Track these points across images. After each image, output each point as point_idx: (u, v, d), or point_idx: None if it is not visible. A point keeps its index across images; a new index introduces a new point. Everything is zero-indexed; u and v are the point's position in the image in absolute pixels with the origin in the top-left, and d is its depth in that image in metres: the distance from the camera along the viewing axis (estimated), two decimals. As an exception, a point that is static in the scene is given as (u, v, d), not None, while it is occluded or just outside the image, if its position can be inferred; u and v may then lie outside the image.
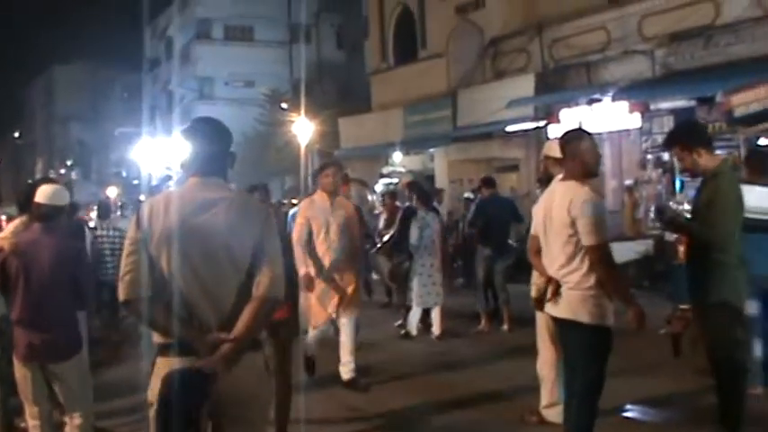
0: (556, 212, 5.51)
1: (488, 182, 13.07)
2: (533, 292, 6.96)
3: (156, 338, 3.77)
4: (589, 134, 5.83)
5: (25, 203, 6.48)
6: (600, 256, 5.28)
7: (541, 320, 7.06)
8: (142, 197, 12.76)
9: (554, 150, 7.09)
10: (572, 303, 5.44)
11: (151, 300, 3.70)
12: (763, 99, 7.70)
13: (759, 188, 7.53)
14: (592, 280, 5.33)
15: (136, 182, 48.38)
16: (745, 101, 8.09)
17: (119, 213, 17.66)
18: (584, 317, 5.36)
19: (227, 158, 3.97)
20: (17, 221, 6.62)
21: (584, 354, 5.48)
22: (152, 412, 3.67)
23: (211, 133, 3.96)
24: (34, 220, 5.98)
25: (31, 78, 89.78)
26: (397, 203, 14.40)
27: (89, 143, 76.04)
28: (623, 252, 14.84)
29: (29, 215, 6.25)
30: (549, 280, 5.61)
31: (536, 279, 6.90)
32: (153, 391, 3.70)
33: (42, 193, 5.93)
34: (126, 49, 61.75)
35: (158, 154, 42.95)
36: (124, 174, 56.98)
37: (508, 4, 23.11)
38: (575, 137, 5.79)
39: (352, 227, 8.93)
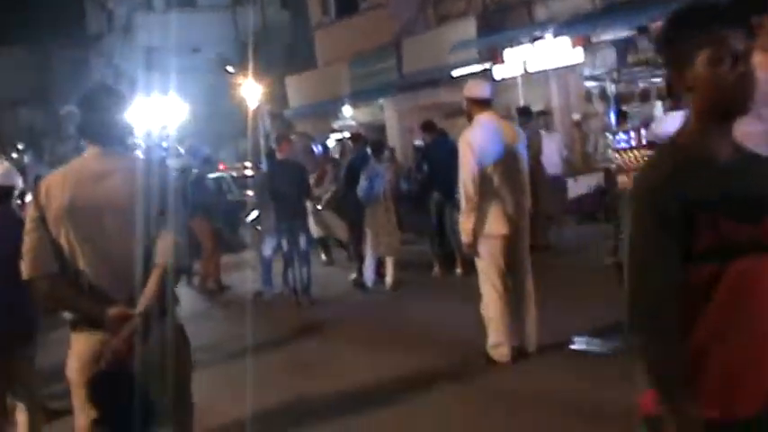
0: None
1: (427, 126, 12.93)
2: (464, 236, 6.96)
3: (66, 314, 3.71)
4: None
5: None
6: None
7: (481, 263, 7.05)
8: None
9: (472, 91, 7.10)
10: None
11: (55, 276, 3.64)
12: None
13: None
14: None
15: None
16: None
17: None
18: None
19: (125, 127, 3.90)
20: None
21: None
22: (75, 392, 3.62)
23: (108, 101, 3.85)
24: None
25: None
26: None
27: (39, 125, 74.87)
28: (578, 186, 14.95)
29: None
30: None
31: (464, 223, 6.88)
32: (70, 368, 3.68)
33: None
34: (67, 26, 60.30)
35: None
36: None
37: (446, -52, 22.84)
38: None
39: None
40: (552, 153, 13.87)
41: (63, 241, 3.62)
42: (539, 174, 12.73)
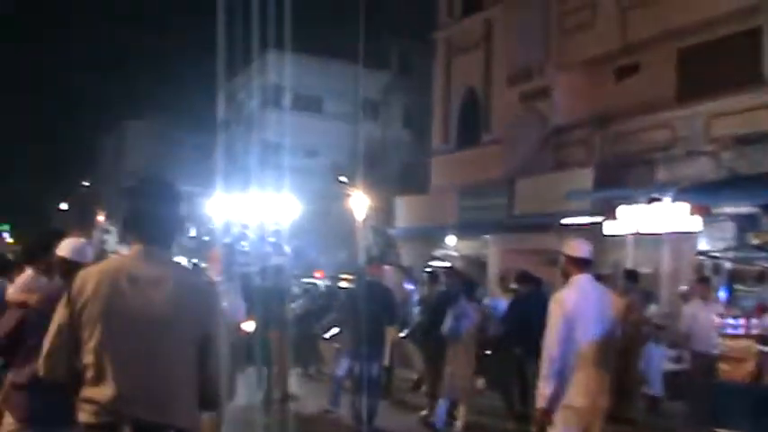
0: None
1: (523, 278, 12.40)
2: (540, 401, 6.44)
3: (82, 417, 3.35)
4: None
5: (40, 253, 5.72)
6: None
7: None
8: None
9: (572, 249, 6.67)
10: None
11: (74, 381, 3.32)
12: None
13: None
14: None
15: (206, 238, 48.08)
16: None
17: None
18: None
19: (176, 225, 3.58)
20: (26, 274, 5.82)
21: None
22: None
23: (162, 195, 3.55)
24: (54, 273, 5.34)
25: (103, 132, 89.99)
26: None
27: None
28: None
29: (40, 266, 5.64)
30: None
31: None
32: None
33: (70, 248, 5.30)
34: (196, 109, 62.43)
35: (232, 211, 42.50)
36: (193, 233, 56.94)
37: (574, 96, 22.65)
38: None
39: None
40: (707, 326, 11.36)
41: (91, 346, 3.28)
42: (636, 342, 12.08)
